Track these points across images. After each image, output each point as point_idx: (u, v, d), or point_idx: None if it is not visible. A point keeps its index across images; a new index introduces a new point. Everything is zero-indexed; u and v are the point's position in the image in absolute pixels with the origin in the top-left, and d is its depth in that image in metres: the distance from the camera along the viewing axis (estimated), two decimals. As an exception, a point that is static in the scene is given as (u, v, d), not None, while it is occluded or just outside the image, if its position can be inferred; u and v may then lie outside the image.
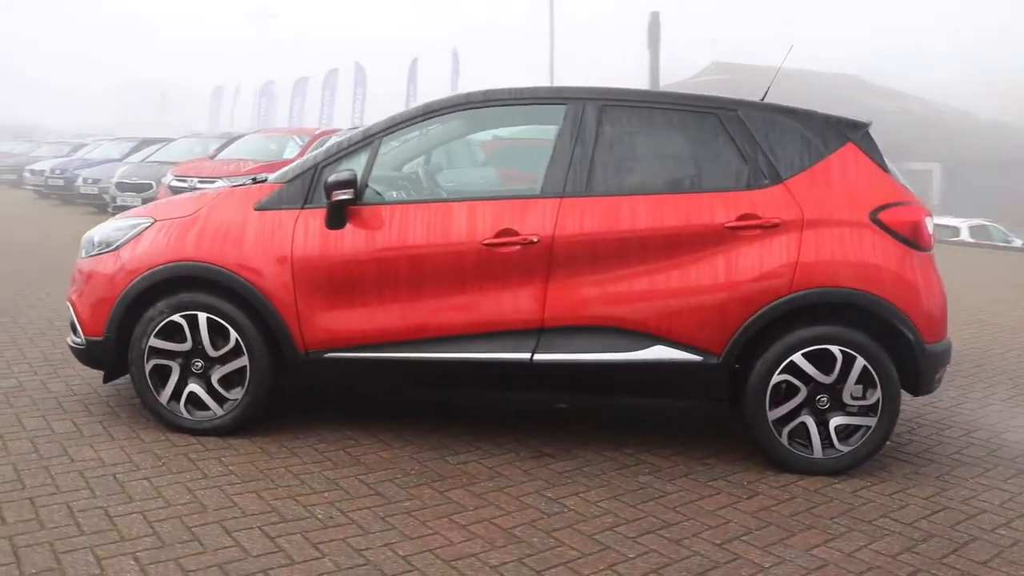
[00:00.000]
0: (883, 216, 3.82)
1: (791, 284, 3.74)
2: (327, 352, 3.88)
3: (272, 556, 2.86)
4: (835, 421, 3.81)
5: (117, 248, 4.00)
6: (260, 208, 3.92)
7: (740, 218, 3.78)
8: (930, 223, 3.96)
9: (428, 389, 4.36)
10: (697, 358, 3.79)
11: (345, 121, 39.58)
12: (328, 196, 3.78)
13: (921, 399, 5.15)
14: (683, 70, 39.78)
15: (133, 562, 2.76)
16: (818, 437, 3.80)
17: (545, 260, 3.78)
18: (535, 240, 3.77)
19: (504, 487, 3.57)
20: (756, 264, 3.76)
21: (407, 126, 4.00)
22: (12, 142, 29.82)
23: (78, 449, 3.71)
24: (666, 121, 4.00)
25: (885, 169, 3.94)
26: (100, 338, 3.97)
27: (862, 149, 3.94)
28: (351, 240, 3.83)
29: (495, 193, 3.94)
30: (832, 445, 3.81)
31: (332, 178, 3.76)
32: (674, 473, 3.81)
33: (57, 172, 18.88)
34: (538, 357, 3.80)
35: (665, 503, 3.48)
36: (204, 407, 3.95)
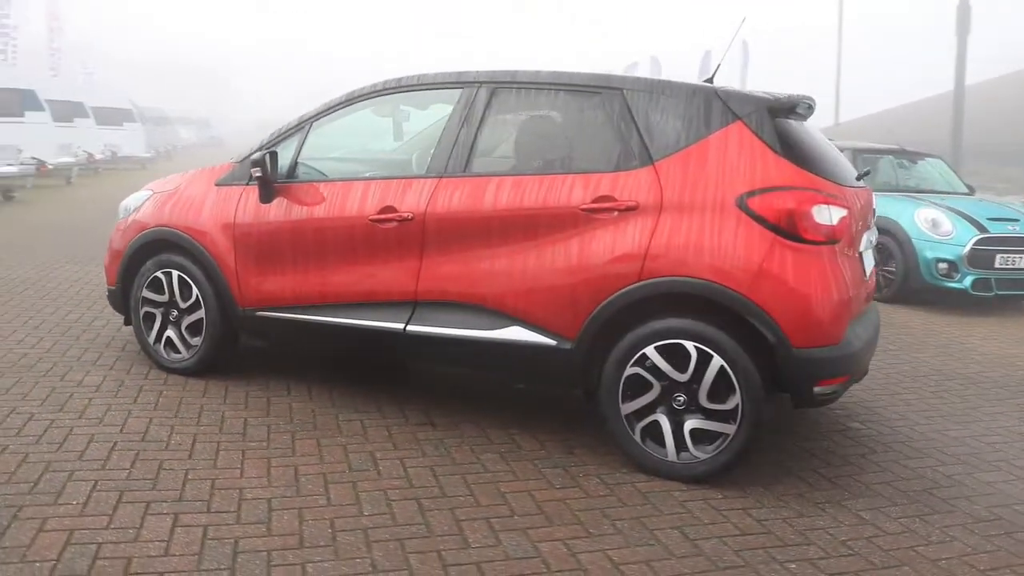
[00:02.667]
0: (753, 202, 3.43)
1: (641, 271, 3.53)
2: (258, 311, 4.44)
3: (95, 461, 3.47)
4: (689, 424, 3.52)
5: (130, 214, 4.93)
6: (219, 184, 4.59)
7: (596, 200, 3.64)
8: (830, 213, 3.45)
9: (336, 350, 4.71)
10: (551, 342, 3.73)
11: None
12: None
13: (976, 429, 4.43)
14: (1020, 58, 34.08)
15: (-2, 450, 3.56)
16: (672, 439, 3.54)
17: (418, 237, 3.97)
18: (409, 217, 3.97)
19: (350, 443, 3.85)
20: (608, 248, 3.59)
21: (334, 111, 4.40)
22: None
23: (76, 373, 4.66)
24: (551, 102, 3.95)
25: (780, 151, 3.51)
26: (114, 287, 4.93)
27: (752, 128, 3.55)
28: (274, 213, 4.34)
29: (392, 173, 4.18)
30: (687, 449, 3.52)
31: (251, 158, 4.30)
32: (525, 456, 3.78)
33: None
34: (411, 328, 4.00)
35: (471, 479, 3.51)
36: (178, 350, 4.72)
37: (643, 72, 40.11)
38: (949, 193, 8.69)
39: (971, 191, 9.15)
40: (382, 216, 4.03)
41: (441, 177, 3.97)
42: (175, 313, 4.69)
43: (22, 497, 3.14)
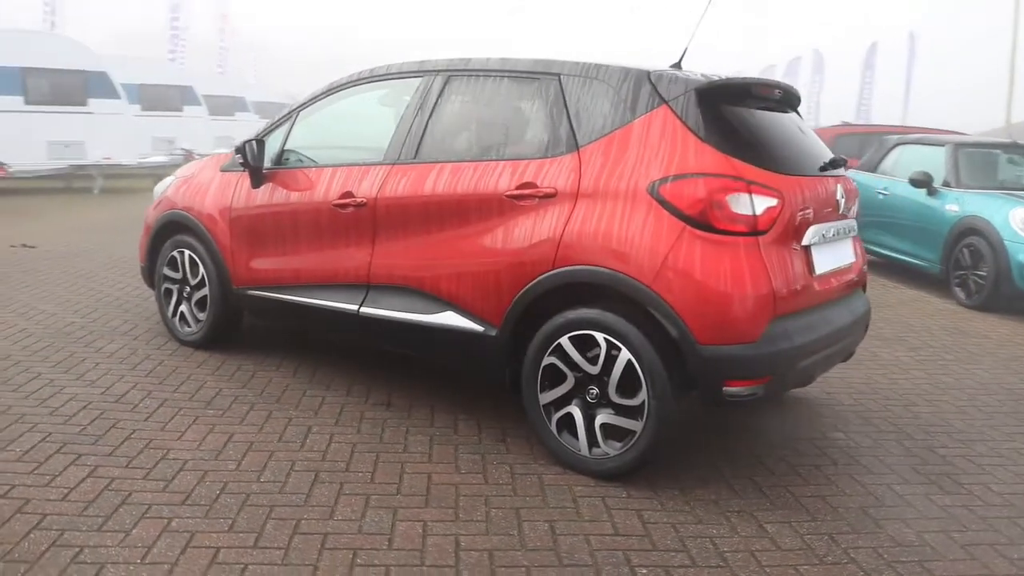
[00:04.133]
0: (664, 189, 3.27)
1: (555, 259, 3.46)
2: (248, 290, 4.71)
3: (61, 417, 3.85)
4: (600, 418, 3.42)
5: (158, 198, 5.36)
6: (223, 170, 4.90)
7: (520, 187, 3.60)
8: (752, 202, 3.22)
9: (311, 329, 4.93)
10: (479, 328, 3.73)
11: (801, 111, 38.11)
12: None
13: (977, 449, 4.03)
14: None
15: (-11, 401, 4.03)
16: (584, 433, 3.45)
17: (371, 222, 4.08)
18: (364, 202, 4.09)
19: (297, 417, 4.02)
20: (528, 235, 3.55)
21: (317, 101, 4.59)
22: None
23: (102, 341, 5.14)
24: (495, 89, 3.93)
25: (704, 136, 3.31)
26: (144, 264, 5.39)
27: (677, 113, 3.37)
28: (260, 198, 4.59)
29: (358, 160, 4.28)
30: (598, 444, 3.42)
31: (235, 146, 4.57)
32: (454, 441, 3.81)
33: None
34: (363, 310, 4.13)
35: (383, 458, 3.59)
36: (189, 324, 5.10)
37: (806, 67, 38.21)
38: (1068, 192, 7.72)
39: (1098, 190, 8.08)
40: (342, 201, 4.18)
41: (394, 164, 4.06)
42: (187, 290, 5.07)
43: (-23, 442, 3.55)
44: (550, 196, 3.52)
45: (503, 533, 2.98)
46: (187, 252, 5.01)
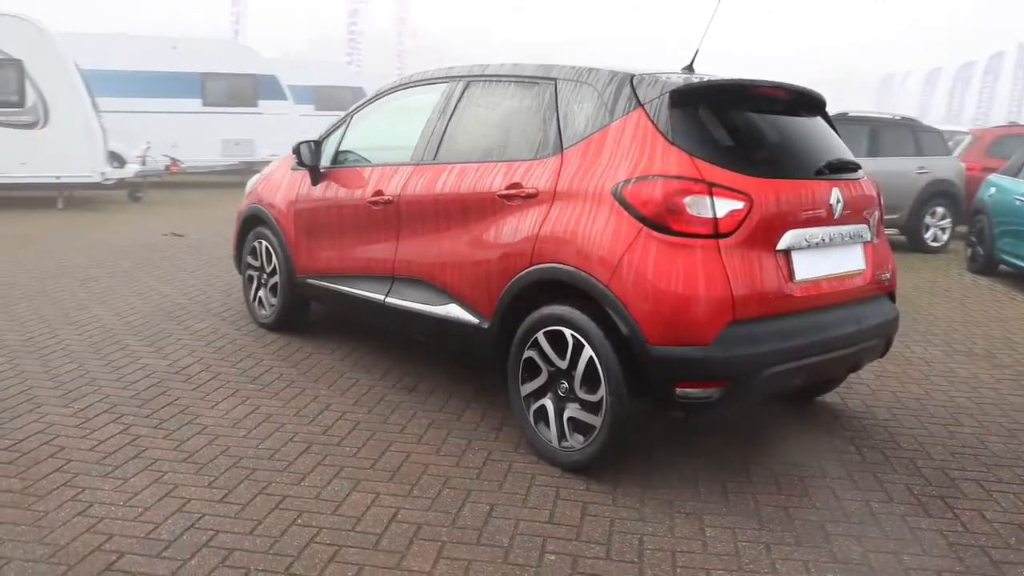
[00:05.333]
0: (626, 191, 3.32)
1: (531, 257, 3.60)
2: (307, 278, 5.17)
3: (124, 382, 4.45)
4: (568, 412, 3.53)
5: (248, 191, 5.95)
6: (292, 169, 5.39)
7: (508, 187, 3.76)
8: (713, 205, 3.21)
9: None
10: (475, 320, 3.93)
11: (1001, 111, 34.81)
12: (302, 161, 5.06)
13: (1000, 476, 3.80)
14: None
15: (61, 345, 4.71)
16: (555, 425, 3.57)
17: (396, 218, 4.38)
18: (390, 200, 4.40)
19: (322, 395, 4.40)
20: (513, 233, 3.72)
21: (369, 104, 4.96)
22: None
23: (194, 320, 5.81)
24: (503, 94, 4.10)
25: (673, 138, 3.33)
26: (235, 253, 6.00)
27: (650, 116, 3.41)
28: (317, 194, 5.03)
29: (392, 160, 4.58)
30: (566, 437, 3.52)
31: (292, 147, 5.02)
32: (452, 426, 4.04)
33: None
34: (388, 300, 4.45)
35: (378, 436, 3.88)
36: (265, 308, 5.64)
37: (1009, 62, 34.73)
38: None
39: None
40: (375, 198, 4.51)
41: (418, 165, 4.35)
42: (264, 276, 5.62)
43: (48, 397, 4.18)
44: (532, 196, 3.66)
45: (442, 510, 3.17)
46: (263, 243, 5.56)
